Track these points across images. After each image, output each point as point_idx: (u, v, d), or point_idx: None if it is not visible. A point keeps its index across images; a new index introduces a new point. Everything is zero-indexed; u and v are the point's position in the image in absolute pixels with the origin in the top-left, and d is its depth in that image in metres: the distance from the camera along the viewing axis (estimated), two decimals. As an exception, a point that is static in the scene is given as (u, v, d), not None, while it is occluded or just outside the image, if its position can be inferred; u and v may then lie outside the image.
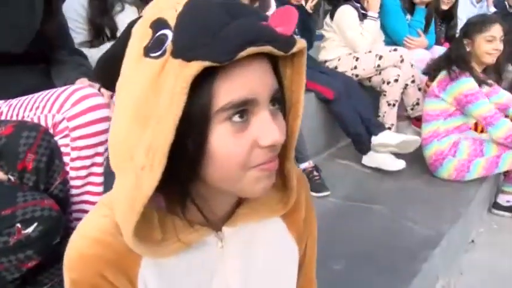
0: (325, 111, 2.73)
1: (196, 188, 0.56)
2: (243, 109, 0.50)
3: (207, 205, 0.59)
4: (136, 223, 0.51)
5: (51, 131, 1.17)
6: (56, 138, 1.16)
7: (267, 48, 0.49)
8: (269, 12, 2.46)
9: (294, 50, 0.53)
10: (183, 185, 0.54)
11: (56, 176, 1.16)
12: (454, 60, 2.40)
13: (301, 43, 0.54)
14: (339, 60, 2.95)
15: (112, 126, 0.55)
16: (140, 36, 0.51)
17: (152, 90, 0.48)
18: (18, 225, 1.01)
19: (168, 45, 0.48)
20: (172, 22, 0.49)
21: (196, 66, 0.46)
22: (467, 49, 2.41)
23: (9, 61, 1.29)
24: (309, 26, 2.96)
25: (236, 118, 0.50)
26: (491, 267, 2.10)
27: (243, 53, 0.47)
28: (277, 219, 0.69)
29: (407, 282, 1.56)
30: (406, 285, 1.54)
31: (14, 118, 1.23)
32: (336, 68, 2.94)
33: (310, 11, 2.85)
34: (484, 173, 2.42)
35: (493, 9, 4.44)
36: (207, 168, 0.52)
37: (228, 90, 0.49)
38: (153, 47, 0.49)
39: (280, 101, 0.56)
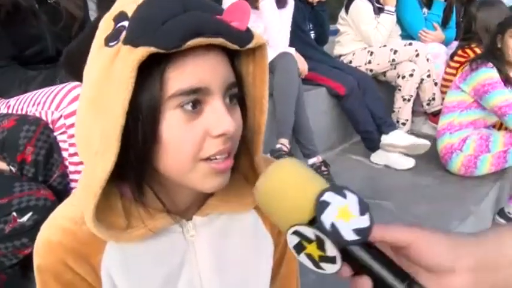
0: (338, 107, 2.71)
1: (155, 177, 0.56)
2: (195, 98, 0.51)
3: (168, 194, 0.59)
4: (101, 210, 0.52)
5: (50, 126, 1.22)
6: (55, 133, 1.22)
7: (219, 40, 0.50)
8: (287, 10, 2.48)
9: (251, 45, 0.54)
10: (137, 171, 0.54)
11: (55, 169, 1.21)
12: (484, 55, 2.35)
13: (259, 39, 0.55)
14: (353, 54, 2.92)
15: (76, 116, 0.57)
16: (103, 29, 0.53)
17: (105, 77, 0.50)
18: (14, 213, 1.06)
19: (123, 34, 0.50)
20: (130, 14, 0.51)
21: (141, 52, 0.47)
22: (499, 45, 2.33)
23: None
24: (320, 21, 2.95)
25: (188, 107, 0.51)
26: None
27: (190, 43, 0.48)
28: (252, 212, 0.68)
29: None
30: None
31: (19, 112, 1.29)
32: (350, 62, 2.91)
33: (314, 3, 2.84)
34: (493, 169, 2.35)
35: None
36: (159, 156, 0.53)
37: (178, 79, 0.50)
38: (112, 37, 0.51)
39: (237, 97, 0.56)
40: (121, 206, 0.57)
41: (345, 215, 0.46)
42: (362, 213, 0.46)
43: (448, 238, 0.46)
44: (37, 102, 1.24)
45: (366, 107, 2.58)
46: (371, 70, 2.84)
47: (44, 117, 1.22)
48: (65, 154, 1.22)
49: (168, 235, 0.61)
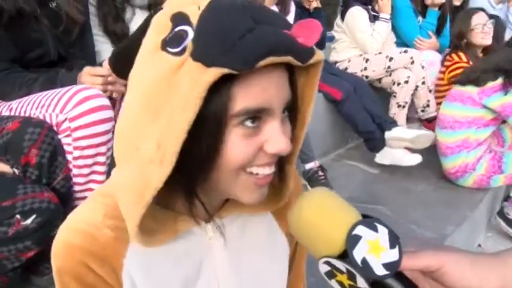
0: (334, 112, 2.73)
1: (201, 186, 0.56)
2: (256, 116, 0.51)
3: (206, 199, 0.59)
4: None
5: (55, 129, 1.22)
6: (59, 136, 1.22)
7: (287, 59, 0.49)
8: (289, 17, 2.50)
9: (311, 61, 0.53)
10: (191, 181, 0.54)
11: (59, 171, 1.21)
12: (506, 70, 2.25)
13: (318, 55, 0.54)
14: (349, 61, 2.95)
15: (121, 114, 0.55)
16: (159, 28, 0.50)
17: (167, 85, 0.48)
18: (18, 216, 1.06)
19: (188, 43, 0.47)
20: (193, 19, 0.48)
21: (214, 73, 0.46)
22: None
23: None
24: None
25: (248, 123, 0.51)
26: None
27: (262, 63, 0.47)
28: (269, 216, 0.70)
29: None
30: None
31: (22, 114, 1.29)
32: (346, 69, 2.94)
33: (311, 9, 2.87)
34: (505, 183, 2.38)
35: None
36: (215, 168, 0.53)
37: (244, 97, 0.49)
38: (172, 42, 0.48)
39: (290, 109, 0.56)
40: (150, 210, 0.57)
41: (376, 249, 0.47)
42: (392, 246, 0.48)
43: (474, 260, 0.49)
44: (41, 105, 1.24)
45: (364, 109, 2.59)
46: (366, 77, 2.87)
47: (48, 120, 1.22)
48: (69, 157, 1.22)
49: (188, 237, 0.62)
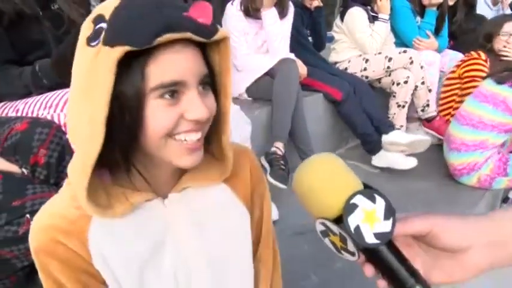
0: (334, 113, 2.76)
1: (138, 157, 0.65)
2: (174, 89, 0.59)
3: (150, 173, 0.67)
4: (88, 193, 0.59)
5: (63, 128, 1.23)
6: (67, 136, 1.22)
7: (187, 35, 0.58)
8: (288, 18, 2.52)
9: (216, 37, 0.62)
10: (125, 151, 0.62)
11: (66, 171, 1.21)
12: None
13: (223, 32, 0.63)
14: (349, 62, 2.97)
15: (67, 106, 0.66)
16: (84, 31, 0.61)
17: (89, 71, 0.58)
18: (28, 215, 1.07)
19: (102, 35, 0.57)
20: (108, 16, 0.58)
21: (118, 51, 0.55)
22: None
23: None
24: (318, 27, 3.01)
25: (167, 96, 0.59)
26: (498, 270, 2.09)
27: (161, 39, 0.55)
28: (222, 185, 0.76)
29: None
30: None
31: (29, 115, 1.30)
32: (346, 69, 2.96)
33: (312, 9, 2.89)
34: (508, 187, 2.38)
35: (508, 11, 4.39)
36: (142, 137, 0.61)
37: (158, 73, 0.58)
38: (92, 38, 0.59)
39: (209, 84, 0.65)
40: (102, 189, 0.65)
41: (370, 219, 0.49)
42: (386, 218, 0.50)
43: (462, 221, 0.52)
44: (48, 105, 1.25)
45: (363, 111, 2.62)
46: (366, 77, 2.89)
47: (56, 120, 1.23)
48: (76, 157, 1.23)
49: (147, 211, 0.68)
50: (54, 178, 1.20)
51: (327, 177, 0.52)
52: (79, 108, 0.60)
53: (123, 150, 0.62)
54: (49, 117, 1.24)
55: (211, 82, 0.65)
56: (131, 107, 0.58)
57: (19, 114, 1.33)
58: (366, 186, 0.53)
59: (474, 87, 2.56)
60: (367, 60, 2.89)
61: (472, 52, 2.86)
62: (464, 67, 2.85)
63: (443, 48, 3.23)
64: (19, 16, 1.36)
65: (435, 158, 2.69)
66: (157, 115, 0.59)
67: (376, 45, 2.88)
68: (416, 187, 2.44)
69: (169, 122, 0.60)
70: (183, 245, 0.71)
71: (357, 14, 2.91)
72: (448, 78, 3.00)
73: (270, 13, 2.37)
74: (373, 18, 2.93)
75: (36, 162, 1.16)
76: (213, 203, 0.74)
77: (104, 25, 0.58)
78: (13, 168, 1.18)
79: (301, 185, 0.54)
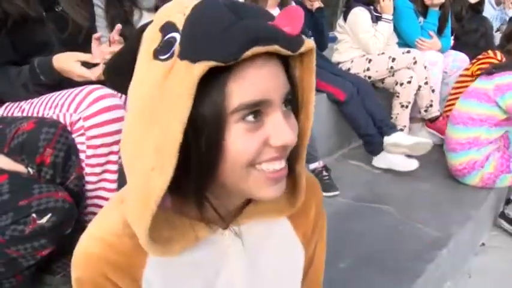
0: (337, 113, 2.75)
1: (210, 188, 0.55)
2: (257, 109, 0.51)
3: (220, 203, 0.59)
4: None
5: (69, 128, 1.23)
6: (73, 135, 1.23)
7: (274, 48, 0.49)
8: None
9: (302, 49, 0.53)
10: (198, 183, 0.53)
11: (72, 171, 1.22)
12: None
13: (309, 43, 0.54)
14: (351, 62, 2.97)
15: (123, 127, 0.56)
16: (150, 40, 0.52)
17: (159, 91, 0.49)
18: (34, 215, 1.07)
19: (176, 47, 0.49)
20: (180, 25, 0.49)
21: (201, 67, 0.46)
22: None
23: None
24: (320, 27, 3.00)
25: (250, 118, 0.51)
26: (501, 270, 2.09)
27: (249, 53, 0.47)
28: (284, 221, 0.69)
29: (410, 282, 1.58)
30: (409, 285, 1.56)
31: (35, 115, 1.30)
32: (349, 70, 2.96)
33: (312, 9, 2.89)
34: (510, 184, 2.37)
35: (511, 13, 4.38)
36: (220, 167, 0.52)
37: (240, 92, 0.49)
38: (162, 50, 0.50)
39: (292, 102, 0.56)
40: (164, 218, 0.57)
41: None
42: None
43: None
44: (54, 105, 1.26)
45: (366, 112, 2.62)
46: (369, 77, 2.89)
47: (62, 120, 1.23)
48: (82, 156, 1.23)
49: (206, 245, 0.61)
50: (60, 178, 1.20)
51: None
52: (142, 133, 0.51)
53: (197, 182, 0.53)
54: (55, 117, 1.25)
55: (293, 100, 0.57)
56: (210, 132, 0.49)
57: (25, 114, 1.33)
58: None
59: None
60: (370, 61, 2.88)
61: (489, 51, 2.85)
62: (478, 65, 2.84)
63: (446, 49, 3.22)
64: (23, 18, 1.36)
65: (439, 158, 2.69)
66: (238, 142, 0.51)
67: (379, 46, 2.87)
68: (420, 187, 2.43)
69: (253, 150, 0.51)
70: (235, 282, 0.65)
71: (360, 14, 2.90)
72: (461, 75, 2.99)
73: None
74: (376, 19, 2.93)
75: (43, 162, 1.16)
76: (273, 240, 0.68)
77: (176, 35, 0.49)
78: (19, 168, 1.18)
79: None
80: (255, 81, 0.50)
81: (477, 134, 2.32)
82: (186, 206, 0.58)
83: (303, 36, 0.54)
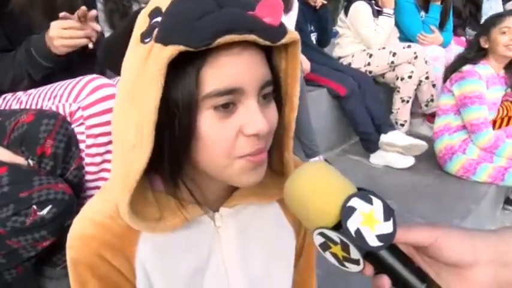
0: (338, 108, 2.75)
1: (188, 171, 0.58)
2: (230, 97, 0.51)
3: (199, 188, 0.61)
4: (135, 202, 0.53)
5: (68, 119, 1.23)
6: (72, 126, 1.23)
7: (251, 37, 0.49)
8: (291, 14, 2.50)
9: (284, 40, 0.53)
10: (172, 165, 0.55)
11: (72, 162, 1.22)
12: (471, 59, 2.36)
13: (292, 34, 0.54)
14: (352, 56, 2.96)
15: (113, 110, 0.58)
16: (139, 25, 0.54)
17: (140, 73, 0.51)
18: (34, 206, 1.07)
19: (156, 31, 0.50)
20: (164, 10, 0.51)
21: (170, 50, 0.47)
22: (485, 46, 2.35)
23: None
24: (323, 24, 2.99)
25: (222, 105, 0.51)
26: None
27: (221, 40, 0.48)
28: (274, 204, 0.70)
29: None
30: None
31: (33, 107, 1.30)
32: (349, 64, 2.96)
33: (316, 5, 2.88)
34: (489, 181, 2.37)
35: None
36: (195, 152, 0.54)
37: (213, 79, 0.50)
38: (146, 34, 0.51)
39: (273, 94, 0.56)
40: (153, 198, 0.59)
41: (370, 221, 0.47)
42: (386, 218, 0.47)
43: (468, 234, 0.49)
44: (53, 96, 1.25)
45: (365, 109, 2.62)
46: (370, 72, 2.89)
47: (61, 111, 1.22)
48: (82, 146, 1.23)
49: (198, 226, 0.63)
50: (61, 169, 1.20)
51: (320, 184, 0.50)
52: (125, 112, 0.53)
53: (171, 164, 0.54)
54: (54, 108, 1.24)
55: (275, 91, 0.57)
56: (182, 116, 0.50)
57: (23, 106, 1.33)
58: (360, 189, 0.50)
59: None
60: (371, 55, 2.88)
61: None
62: None
63: (448, 43, 3.22)
64: (9, 4, 1.32)
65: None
66: (212, 129, 0.52)
67: (381, 40, 2.87)
68: (421, 182, 2.44)
69: (227, 138, 0.52)
70: (227, 264, 0.66)
71: (361, 9, 2.90)
72: None
73: None
74: (377, 13, 2.92)
75: (43, 153, 1.16)
76: (263, 222, 0.69)
77: (159, 19, 0.51)
78: (19, 160, 1.18)
79: (293, 195, 0.52)
80: (228, 69, 0.50)
81: (447, 121, 2.47)
82: (178, 189, 0.59)
83: (286, 28, 0.54)
